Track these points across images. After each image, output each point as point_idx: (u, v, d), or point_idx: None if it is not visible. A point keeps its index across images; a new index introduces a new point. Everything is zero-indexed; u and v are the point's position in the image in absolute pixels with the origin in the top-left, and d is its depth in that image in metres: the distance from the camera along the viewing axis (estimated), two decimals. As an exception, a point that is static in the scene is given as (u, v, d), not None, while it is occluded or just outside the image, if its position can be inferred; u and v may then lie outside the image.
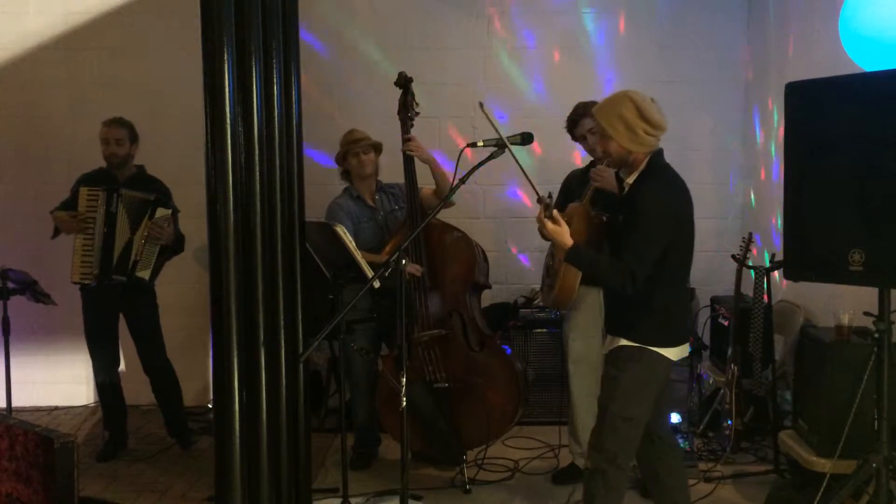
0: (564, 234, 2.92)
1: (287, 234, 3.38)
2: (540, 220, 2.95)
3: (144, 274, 4.38)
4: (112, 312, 4.55)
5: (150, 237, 4.37)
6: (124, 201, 4.38)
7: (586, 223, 3.11)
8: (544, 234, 3.00)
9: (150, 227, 4.36)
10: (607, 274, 2.91)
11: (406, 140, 4.11)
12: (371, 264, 3.58)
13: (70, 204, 4.47)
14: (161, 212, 4.38)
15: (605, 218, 3.18)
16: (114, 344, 4.60)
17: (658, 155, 2.98)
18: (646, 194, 2.89)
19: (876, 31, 3.15)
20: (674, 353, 2.98)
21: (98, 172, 4.53)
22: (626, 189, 3.02)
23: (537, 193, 2.97)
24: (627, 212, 2.94)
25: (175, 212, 4.48)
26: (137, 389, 4.75)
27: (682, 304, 3.06)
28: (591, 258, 2.94)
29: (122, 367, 4.75)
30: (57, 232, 4.54)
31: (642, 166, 2.96)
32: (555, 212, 2.94)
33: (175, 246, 4.54)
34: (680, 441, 4.34)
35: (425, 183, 4.24)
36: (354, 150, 4.29)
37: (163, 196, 4.45)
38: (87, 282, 4.42)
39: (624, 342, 2.95)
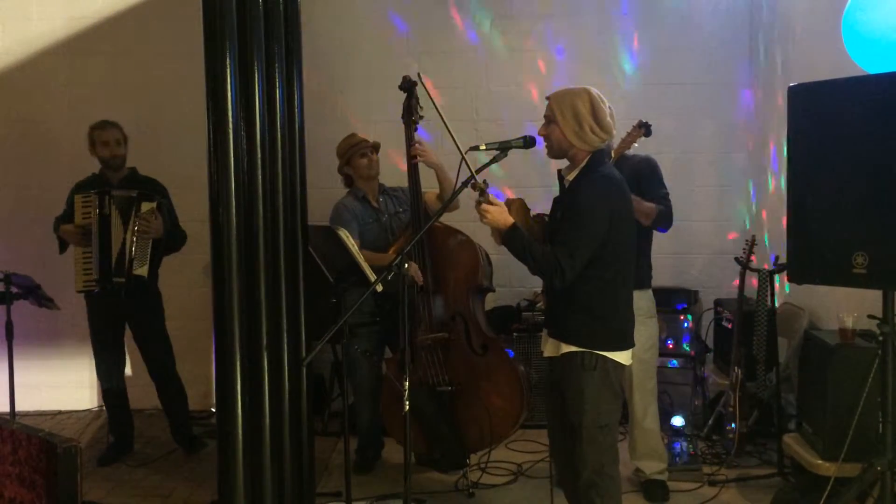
0: (504, 212, 2.91)
1: (290, 238, 3.38)
2: (478, 208, 2.93)
3: (142, 271, 4.34)
4: (116, 319, 4.54)
5: (139, 232, 4.33)
6: (116, 202, 4.37)
7: (524, 215, 3.08)
8: (484, 220, 2.95)
9: (137, 221, 4.32)
10: (538, 263, 2.89)
11: (413, 145, 4.10)
12: (374, 267, 3.58)
13: (67, 215, 4.46)
14: (146, 205, 4.34)
15: (546, 218, 3.17)
16: (119, 351, 4.59)
17: (600, 154, 2.97)
18: (582, 192, 2.90)
19: (879, 33, 3.15)
20: (624, 357, 2.98)
21: (92, 178, 4.52)
22: (567, 186, 3.02)
23: (475, 179, 2.95)
24: (565, 209, 2.95)
25: (161, 205, 4.39)
26: (141, 393, 4.74)
27: (625, 307, 3.02)
28: (525, 242, 2.89)
29: (128, 371, 4.74)
30: (64, 246, 4.52)
31: (583, 164, 2.96)
32: (490, 196, 2.92)
33: (169, 241, 4.47)
34: (684, 444, 4.35)
35: (428, 186, 4.24)
36: (362, 150, 4.31)
37: (157, 194, 4.40)
38: (90, 289, 4.41)
39: (574, 348, 2.93)
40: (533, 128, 3.16)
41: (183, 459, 4.57)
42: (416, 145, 4.09)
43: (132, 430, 4.70)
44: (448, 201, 3.32)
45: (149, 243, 4.37)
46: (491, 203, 2.92)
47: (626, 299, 3.03)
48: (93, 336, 4.56)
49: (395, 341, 4.28)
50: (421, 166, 4.14)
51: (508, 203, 3.10)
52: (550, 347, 3.06)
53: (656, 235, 4.00)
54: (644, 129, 3.79)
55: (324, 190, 4.80)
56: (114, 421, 4.65)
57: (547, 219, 3.16)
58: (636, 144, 3.84)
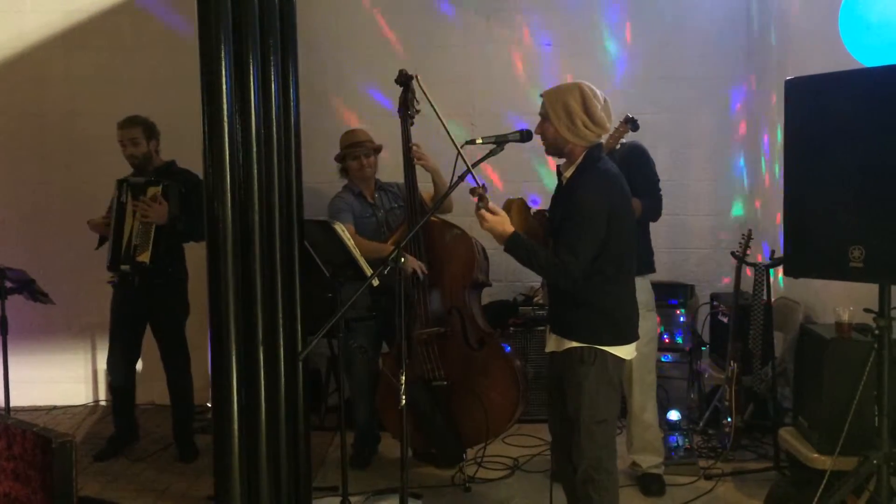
0: (504, 221, 2.89)
1: (286, 232, 3.38)
2: (478, 213, 2.90)
3: (144, 258, 4.24)
4: (134, 314, 4.45)
5: (140, 216, 4.26)
6: (130, 189, 4.33)
7: (524, 216, 3.07)
8: (483, 227, 2.92)
9: (138, 205, 4.26)
10: (544, 267, 2.90)
11: (410, 147, 4.08)
12: (371, 261, 3.57)
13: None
14: (151, 190, 4.26)
15: (546, 214, 3.16)
16: (129, 348, 4.49)
17: (596, 149, 2.97)
18: (581, 189, 2.89)
19: (876, 26, 3.14)
20: (625, 352, 2.97)
21: (132, 175, 4.46)
22: (564, 183, 3.01)
23: (474, 182, 2.93)
24: (564, 206, 2.94)
25: (169, 190, 4.26)
26: (138, 388, 4.72)
27: (628, 301, 3.02)
28: (529, 249, 2.89)
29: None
30: (101, 241, 4.47)
31: (579, 160, 2.96)
32: (490, 203, 2.90)
33: (179, 229, 4.29)
34: (680, 438, 4.35)
35: (424, 183, 4.23)
36: (354, 153, 4.29)
37: (179, 183, 4.30)
38: (111, 279, 4.39)
39: (575, 343, 2.94)
40: (528, 122, 3.15)
41: (179, 454, 4.56)
42: (415, 148, 4.08)
43: (134, 423, 4.66)
44: (443, 197, 3.31)
45: (151, 229, 4.25)
46: (490, 210, 2.89)
47: (628, 292, 3.03)
48: (110, 328, 4.51)
49: (391, 336, 4.28)
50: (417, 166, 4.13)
51: (508, 204, 3.09)
52: (553, 343, 3.07)
53: (652, 228, 4.01)
54: (630, 124, 3.80)
55: (320, 184, 4.79)
56: (115, 413, 4.62)
57: (548, 214, 3.16)
58: (623, 140, 3.84)
